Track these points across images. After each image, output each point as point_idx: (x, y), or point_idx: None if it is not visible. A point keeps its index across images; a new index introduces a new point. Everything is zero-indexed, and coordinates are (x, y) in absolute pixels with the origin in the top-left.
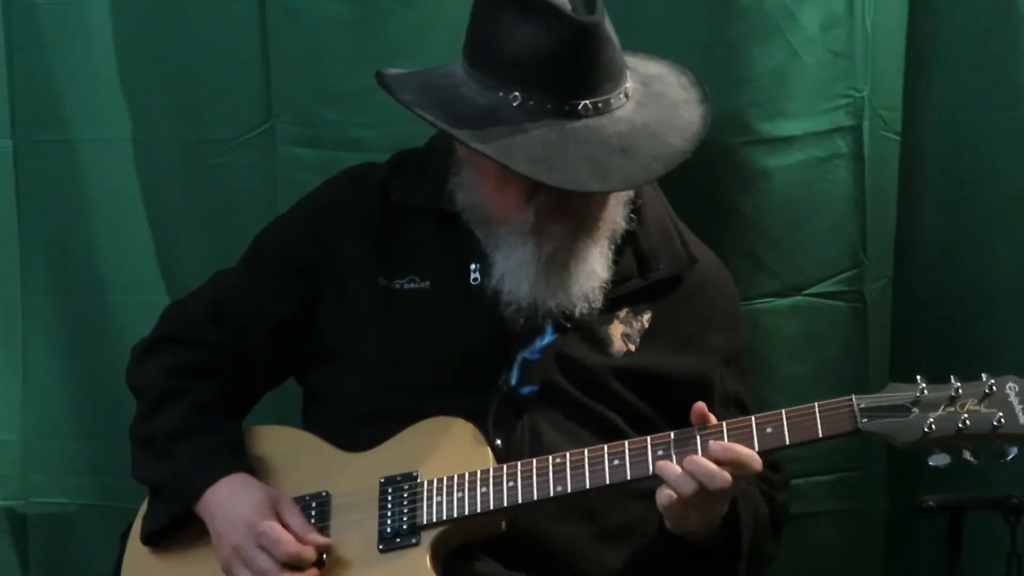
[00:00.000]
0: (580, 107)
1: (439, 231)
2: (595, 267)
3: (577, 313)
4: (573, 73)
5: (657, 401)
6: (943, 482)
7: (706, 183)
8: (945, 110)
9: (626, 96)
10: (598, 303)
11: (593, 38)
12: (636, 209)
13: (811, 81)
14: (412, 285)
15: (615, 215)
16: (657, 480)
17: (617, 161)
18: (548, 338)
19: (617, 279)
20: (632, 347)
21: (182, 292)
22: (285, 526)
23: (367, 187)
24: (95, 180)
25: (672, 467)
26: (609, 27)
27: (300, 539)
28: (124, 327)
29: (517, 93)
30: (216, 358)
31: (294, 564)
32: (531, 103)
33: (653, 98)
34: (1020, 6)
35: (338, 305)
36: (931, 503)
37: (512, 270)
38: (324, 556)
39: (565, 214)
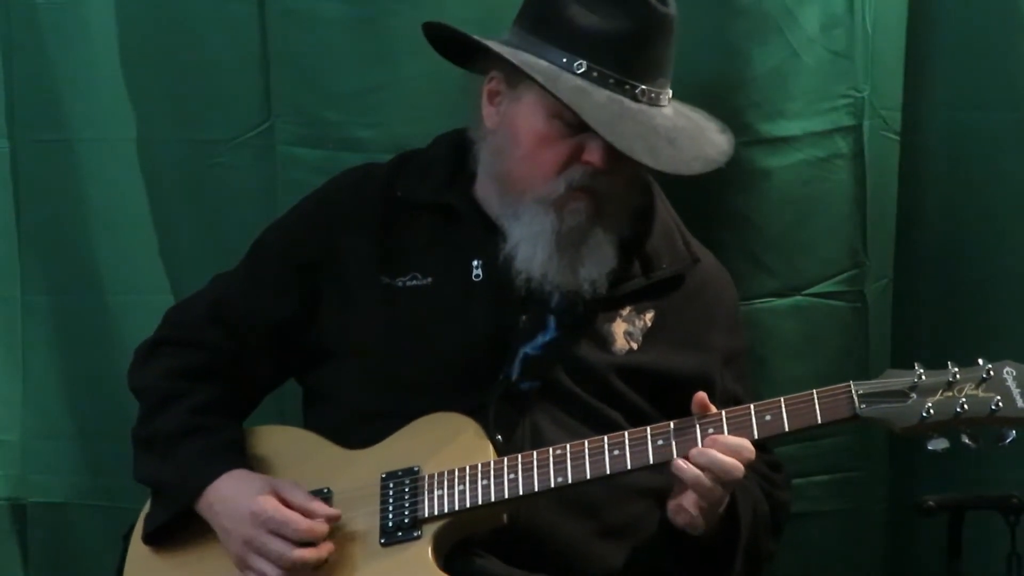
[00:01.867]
0: (638, 91)
1: (441, 228)
2: (605, 254)
3: (581, 304)
4: (642, 56)
5: (659, 399)
6: (943, 482)
7: (706, 183)
8: (946, 110)
9: (668, 100)
10: (603, 291)
11: (667, 28)
12: (641, 213)
13: (811, 81)
14: (414, 282)
15: (629, 210)
16: (657, 472)
17: (665, 148)
18: (550, 334)
19: (620, 278)
20: (634, 345)
21: (182, 292)
22: (289, 506)
23: (368, 186)
24: (94, 180)
25: (690, 468)
26: None
27: (308, 514)
28: (124, 327)
29: (583, 61)
30: (217, 359)
31: (308, 541)
32: (595, 74)
33: (684, 116)
34: (1021, 6)
35: (340, 304)
36: (931, 503)
37: (529, 238)
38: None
39: (589, 195)
